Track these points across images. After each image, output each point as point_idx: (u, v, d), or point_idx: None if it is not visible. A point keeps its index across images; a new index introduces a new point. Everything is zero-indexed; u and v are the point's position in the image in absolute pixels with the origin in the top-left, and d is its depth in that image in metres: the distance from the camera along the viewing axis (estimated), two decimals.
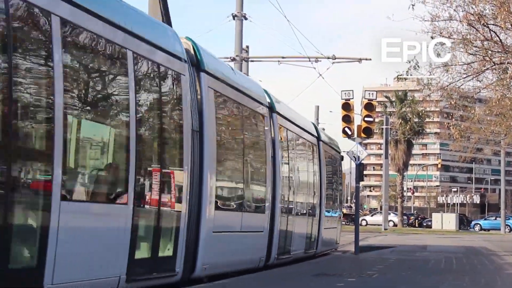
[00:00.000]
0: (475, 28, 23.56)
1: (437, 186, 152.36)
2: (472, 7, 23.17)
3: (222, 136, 14.49)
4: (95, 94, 9.94)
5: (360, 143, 24.54)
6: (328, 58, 34.27)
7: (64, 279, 8.52)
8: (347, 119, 24.20)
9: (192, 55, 13.24)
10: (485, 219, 77.88)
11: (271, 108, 17.65)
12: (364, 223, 72.47)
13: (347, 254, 25.50)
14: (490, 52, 23.92)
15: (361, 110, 25.36)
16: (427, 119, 78.61)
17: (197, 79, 13.17)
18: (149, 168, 11.11)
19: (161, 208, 11.18)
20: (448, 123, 31.81)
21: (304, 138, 21.53)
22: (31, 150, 8.42)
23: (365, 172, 26.01)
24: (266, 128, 16.95)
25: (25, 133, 8.27)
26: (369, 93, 24.87)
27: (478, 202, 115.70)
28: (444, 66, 24.15)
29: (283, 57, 35.02)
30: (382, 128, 61.68)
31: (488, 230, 70.80)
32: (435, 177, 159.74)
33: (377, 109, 30.78)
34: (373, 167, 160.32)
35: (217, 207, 13.50)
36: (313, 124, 25.24)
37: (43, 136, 8.47)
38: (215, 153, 13.48)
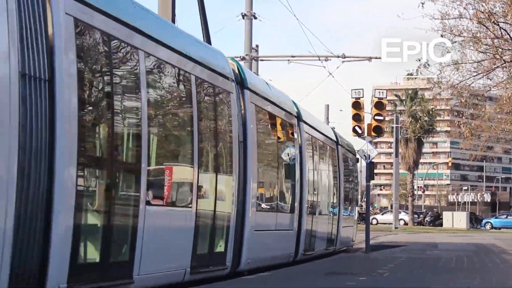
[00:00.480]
0: (485, 26, 23.53)
1: (447, 184, 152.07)
2: (482, 5, 23.15)
3: (260, 144, 16.13)
4: (172, 115, 12.09)
5: (370, 142, 24.53)
6: (338, 57, 34.27)
7: (146, 271, 10.20)
8: (357, 118, 24.18)
9: (237, 74, 14.84)
10: (496, 218, 77.67)
11: (298, 117, 19.23)
12: (374, 221, 72.39)
13: (358, 253, 25.47)
14: (500, 50, 23.88)
15: (371, 108, 25.34)
16: (437, 118, 78.46)
17: (242, 95, 14.82)
18: (207, 176, 12.74)
19: (216, 210, 12.92)
20: (458, 122, 31.75)
21: (325, 143, 23.24)
22: (129, 168, 10.30)
23: (375, 171, 26.08)
24: (295, 135, 18.67)
25: (125, 156, 10.29)
26: (379, 92, 24.84)
27: (489, 200, 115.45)
28: (454, 64, 24.14)
29: (292, 56, 35.04)
30: (392, 127, 61.64)
31: (499, 228, 70.60)
32: (445, 175, 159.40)
33: (387, 108, 30.75)
34: (383, 166, 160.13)
35: (257, 209, 15.21)
36: (333, 129, 26.81)
37: (134, 156, 10.31)
38: (256, 160, 15.18)
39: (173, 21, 18.40)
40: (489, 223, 74.00)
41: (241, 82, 14.88)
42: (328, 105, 57.44)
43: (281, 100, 17.97)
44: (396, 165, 63.70)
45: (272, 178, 17.13)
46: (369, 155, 23.96)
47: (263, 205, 16.04)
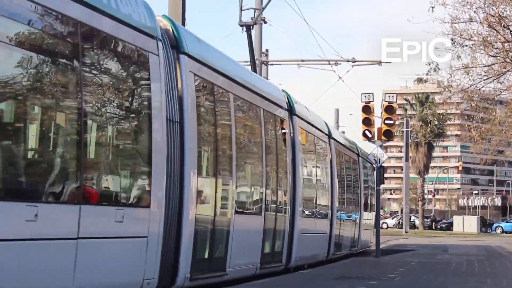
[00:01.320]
0: (495, 29, 23.49)
1: (458, 188, 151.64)
2: (492, 9, 23.12)
3: (305, 162, 19.06)
4: (250, 142, 15.33)
5: (381, 146, 24.51)
6: (348, 61, 34.22)
7: (234, 266, 13.12)
8: (367, 122, 24.17)
9: (287, 103, 17.71)
10: (507, 222, 77.44)
11: (329, 135, 22.43)
12: (385, 226, 72.28)
13: (369, 257, 25.44)
14: (511, 53, 23.83)
15: (381, 112, 25.32)
16: (447, 122, 78.28)
17: (291, 121, 17.75)
18: (270, 190, 15.76)
19: (276, 217, 15.82)
20: (469, 125, 31.64)
21: (350, 156, 26.33)
22: (224, 183, 13.06)
23: (385, 175, 26.02)
24: (327, 153, 21.98)
25: (222, 173, 13.03)
26: (389, 96, 24.82)
27: (499, 204, 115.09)
28: (464, 68, 24.10)
29: (302, 60, 35.01)
30: (403, 131, 61.54)
31: (510, 232, 70.40)
32: (456, 179, 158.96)
33: (397, 112, 30.69)
34: (394, 170, 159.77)
35: (302, 215, 18.08)
36: (354, 142, 28.17)
37: (228, 175, 13.14)
38: (302, 176, 18.03)
39: (183, 23, 18.57)
40: (500, 227, 73.79)
41: (290, 109, 17.72)
42: (338, 109, 57.38)
43: (318, 122, 21.13)
44: (406, 169, 63.59)
45: (312, 190, 20.05)
46: (379, 159, 23.95)
47: (306, 212, 18.84)
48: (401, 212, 77.05)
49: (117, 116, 9.87)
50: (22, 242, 7.41)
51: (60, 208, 8.15)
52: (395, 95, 25.34)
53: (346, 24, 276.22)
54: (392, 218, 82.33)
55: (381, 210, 50.11)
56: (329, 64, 34.06)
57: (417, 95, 73.19)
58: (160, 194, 10.34)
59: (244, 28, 23.27)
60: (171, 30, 11.53)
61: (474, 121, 32.01)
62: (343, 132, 32.20)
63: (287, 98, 17.75)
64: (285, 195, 16.56)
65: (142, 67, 10.21)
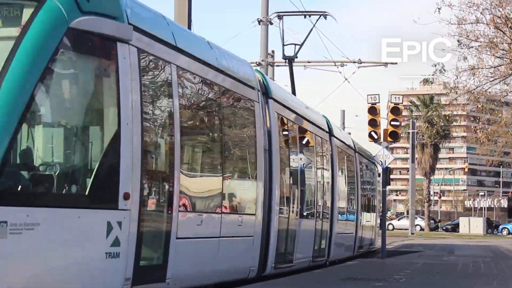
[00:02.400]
0: (502, 31, 23.47)
1: (464, 190, 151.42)
2: (499, 10, 23.10)
3: (340, 172, 22.66)
4: (307, 159, 18.70)
5: (387, 147, 24.50)
6: (354, 62, 34.23)
7: (297, 259, 16.74)
8: (373, 123, 24.16)
9: (328, 128, 21.31)
10: None
11: (355, 149, 25.94)
12: (391, 227, 72.19)
13: (374, 258, 25.43)
14: None
15: (387, 114, 25.31)
16: (453, 123, 78.17)
17: (330, 142, 21.27)
18: (320, 197, 19.58)
19: (322, 220, 19.60)
20: (475, 127, 31.61)
21: (368, 166, 29.55)
22: (291, 193, 16.71)
23: (391, 176, 26.03)
24: (354, 166, 25.76)
25: (289, 185, 16.66)
26: (395, 97, 24.81)
27: (505, 206, 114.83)
28: (471, 70, 24.07)
29: (308, 62, 35.04)
30: (409, 132, 61.47)
31: None
32: (462, 181, 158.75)
33: (403, 113, 30.63)
34: (400, 171, 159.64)
35: (338, 219, 21.66)
36: (363, 148, 29.59)
37: (296, 184, 17.09)
38: (338, 185, 21.75)
39: (189, 26, 18.59)
40: (506, 229, 73.62)
41: (329, 132, 21.34)
42: (344, 110, 57.40)
43: (345, 137, 25.15)
44: (412, 171, 63.54)
45: (343, 197, 23.38)
46: (385, 160, 23.94)
47: (340, 216, 22.07)
48: (407, 213, 76.98)
49: (238, 147, 14.08)
50: (194, 239, 11.40)
51: (211, 216, 12.20)
52: (401, 96, 25.33)
53: (353, 25, 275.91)
54: (398, 220, 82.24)
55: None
56: (335, 65, 34.08)
57: (423, 97, 73.12)
58: (260, 204, 14.28)
59: (287, 61, 26.31)
60: (261, 81, 15.31)
61: (480, 123, 31.97)
62: (349, 134, 32.16)
63: (327, 124, 21.56)
64: (327, 203, 20.55)
65: (250, 111, 14.27)
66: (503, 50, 23.83)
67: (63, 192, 8.85)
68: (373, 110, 24.20)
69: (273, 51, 36.06)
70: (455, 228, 73.77)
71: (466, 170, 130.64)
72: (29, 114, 8.41)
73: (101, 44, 9.30)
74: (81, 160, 9.16)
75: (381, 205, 29.88)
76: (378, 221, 30.93)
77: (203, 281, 11.94)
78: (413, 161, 63.12)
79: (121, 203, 9.17)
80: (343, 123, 55.00)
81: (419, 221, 74.51)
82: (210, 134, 12.83)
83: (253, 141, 14.18)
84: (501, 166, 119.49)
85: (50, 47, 8.56)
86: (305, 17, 26.72)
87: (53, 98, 8.90)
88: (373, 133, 24.08)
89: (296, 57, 26.36)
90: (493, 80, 24.66)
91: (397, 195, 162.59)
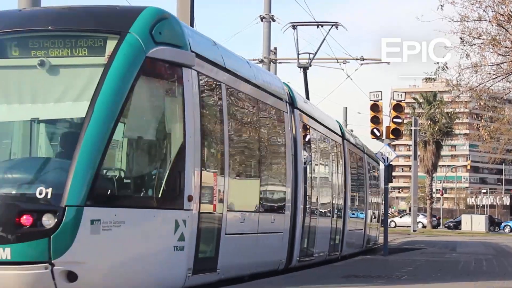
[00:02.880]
0: (504, 28, 23.43)
1: (466, 187, 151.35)
2: (501, 7, 23.04)
3: (352, 176, 24.48)
4: (326, 162, 21.44)
5: (389, 144, 24.49)
6: (356, 59, 34.24)
7: (316, 253, 18.96)
8: (375, 120, 24.16)
9: (341, 132, 23.37)
10: None
11: (363, 151, 28.07)
12: (393, 224, 72.21)
13: (376, 255, 25.44)
14: None
15: (390, 111, 25.31)
16: (456, 120, 78.10)
17: (343, 144, 23.18)
18: (336, 197, 21.77)
19: (337, 219, 21.95)
20: (477, 124, 31.59)
21: (375, 166, 31.81)
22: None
23: (393, 174, 26.13)
24: (363, 167, 28.04)
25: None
26: (398, 94, 24.79)
27: (508, 203, 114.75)
28: (473, 67, 24.04)
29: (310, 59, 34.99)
30: (411, 129, 61.44)
31: None
32: (464, 178, 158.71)
33: (405, 110, 30.60)
34: (402, 169, 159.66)
35: (350, 217, 23.82)
36: (370, 150, 30.95)
37: (316, 187, 19.17)
38: (350, 186, 23.68)
39: (192, 23, 18.58)
40: (508, 226, 73.60)
41: (342, 136, 23.36)
42: (346, 107, 57.39)
43: (356, 140, 26.96)
44: (414, 168, 63.53)
45: (354, 196, 25.37)
46: (387, 157, 23.93)
47: (351, 215, 24.02)
48: (409, 210, 76.98)
49: (272, 153, 15.82)
50: (238, 235, 13.14)
51: (251, 215, 14.08)
52: (404, 93, 25.31)
53: (355, 22, 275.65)
54: (400, 217, 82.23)
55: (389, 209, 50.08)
56: (338, 62, 34.08)
57: (426, 94, 73.06)
58: (289, 204, 16.13)
59: (302, 69, 27.95)
60: (288, 93, 16.94)
61: (482, 120, 31.93)
62: (352, 131, 32.18)
63: (340, 128, 23.60)
64: (340, 202, 22.39)
65: (281, 121, 16.07)
66: (505, 47, 23.79)
67: (141, 195, 10.63)
68: (375, 107, 24.20)
69: (275, 48, 36.08)
70: (457, 225, 73.73)
71: (469, 167, 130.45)
72: (117, 130, 10.16)
73: (170, 70, 11.04)
74: (155, 168, 10.90)
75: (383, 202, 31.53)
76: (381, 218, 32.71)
77: (243, 272, 13.85)
78: (415, 158, 63.11)
79: (186, 204, 10.88)
80: (346, 120, 55.00)
81: (421, 219, 74.52)
82: (251, 142, 14.65)
83: (283, 147, 16.11)
84: (503, 164, 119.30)
85: (132, 73, 10.31)
86: (317, 27, 28.28)
87: (133, 115, 10.67)
88: (375, 130, 24.09)
89: (310, 65, 28.15)
90: (495, 77, 24.61)
91: (399, 192, 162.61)
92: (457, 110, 66.38)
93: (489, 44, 23.56)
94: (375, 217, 30.95)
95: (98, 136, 9.84)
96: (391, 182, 25.78)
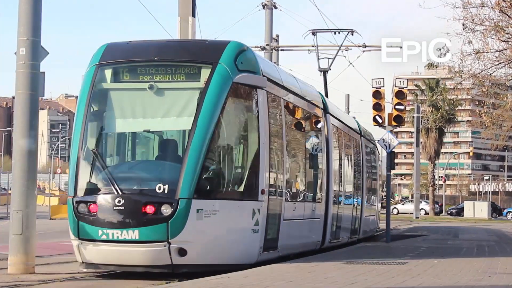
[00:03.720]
0: (507, 14, 23.40)
1: (469, 174, 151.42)
2: None
3: (368, 170, 28.21)
4: (352, 157, 24.63)
5: (391, 131, 24.47)
6: (359, 46, 34.20)
7: (341, 236, 21.90)
8: (377, 107, 24.12)
9: (358, 128, 26.57)
10: None
11: (360, 133, 27.92)
12: (395, 211, 72.25)
13: (379, 242, 25.48)
14: None
15: (392, 98, 25.27)
16: (458, 107, 78.00)
17: (360, 140, 26.64)
18: (355, 188, 24.93)
19: (357, 205, 24.96)
20: (480, 111, 31.58)
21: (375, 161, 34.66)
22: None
23: (396, 161, 26.27)
24: (377, 161, 32.43)
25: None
26: (400, 81, 24.74)
27: (510, 190, 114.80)
28: (476, 54, 24.02)
29: (313, 46, 34.94)
30: (413, 116, 61.39)
31: None
32: (466, 165, 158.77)
33: (408, 98, 30.58)
34: (404, 156, 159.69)
35: (366, 204, 27.02)
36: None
37: (342, 180, 22.42)
38: (366, 176, 27.29)
39: (194, 12, 18.74)
40: (511, 213, 73.64)
41: (360, 132, 26.38)
42: (348, 94, 57.32)
43: (367, 132, 28.97)
44: (417, 155, 63.55)
45: (369, 185, 28.61)
46: (390, 144, 23.93)
47: (366, 203, 27.10)
48: (412, 197, 77.05)
49: (313, 152, 18.92)
50: (291, 220, 16.31)
51: (300, 203, 17.38)
52: (406, 80, 25.23)
53: (357, 10, 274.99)
54: (403, 204, 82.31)
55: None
56: (340, 49, 34.00)
57: (428, 81, 72.96)
58: (324, 194, 19.25)
59: (322, 73, 30.38)
60: (321, 100, 19.92)
61: (485, 107, 31.93)
62: (354, 118, 32.18)
63: (357, 124, 26.82)
64: (359, 192, 25.40)
65: (318, 125, 19.41)
66: (508, 34, 23.76)
67: (230, 190, 14.01)
68: (377, 94, 24.15)
69: (277, 36, 36.02)
70: (460, 212, 73.76)
71: (471, 154, 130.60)
72: (213, 139, 13.44)
73: (249, 91, 14.39)
74: (239, 169, 14.23)
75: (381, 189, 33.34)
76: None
77: (294, 251, 16.77)
78: (417, 145, 63.10)
79: (260, 197, 14.22)
80: (348, 107, 54.95)
81: (424, 205, 74.58)
82: (299, 145, 17.95)
83: (320, 147, 19.16)
84: (506, 150, 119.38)
85: (223, 95, 13.61)
86: (334, 33, 31.06)
87: (224, 127, 13.79)
88: (377, 117, 24.05)
89: (330, 69, 30.67)
90: (498, 64, 24.59)
91: (402, 179, 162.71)
92: (460, 97, 66.31)
93: (492, 31, 23.53)
94: (382, 204, 34.97)
95: (201, 144, 13.15)
96: (394, 169, 25.81)
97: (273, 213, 14.88)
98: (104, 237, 13.05)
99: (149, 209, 12.89)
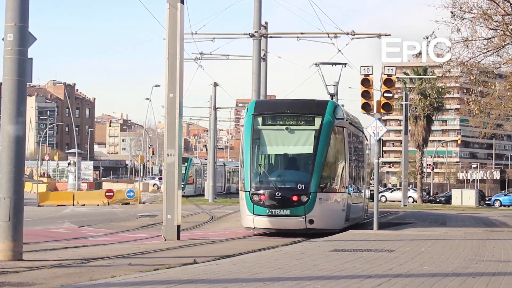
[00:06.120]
0: (495, 2, 23.42)
1: (457, 162, 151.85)
2: None
3: (368, 159, 35.77)
4: (361, 153, 32.19)
5: (380, 119, 24.51)
6: (347, 34, 34.19)
7: (351, 219, 26.57)
8: (366, 95, 24.14)
9: (363, 133, 32.57)
10: (505, 195, 77.61)
11: (364, 133, 34.89)
12: (383, 199, 72.40)
13: (367, 230, 25.57)
14: (510, 27, 23.77)
15: (380, 86, 25.28)
16: (446, 95, 78.07)
17: (363, 138, 32.83)
18: (362, 180, 31.53)
19: (365, 194, 32.50)
20: (468, 99, 31.65)
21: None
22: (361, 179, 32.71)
23: (384, 149, 26.42)
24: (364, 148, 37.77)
25: (357, 174, 30.64)
26: (388, 69, 24.75)
27: (498, 178, 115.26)
28: (464, 41, 24.04)
29: (302, 33, 34.94)
30: (402, 104, 61.44)
31: (508, 206, 70.59)
32: (455, 153, 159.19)
33: (396, 85, 30.60)
34: (393, 143, 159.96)
35: (366, 193, 33.57)
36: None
37: (360, 176, 31.52)
38: (366, 168, 34.14)
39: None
40: (498, 201, 73.95)
41: (363, 133, 31.83)
42: (337, 82, 57.20)
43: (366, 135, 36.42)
44: (405, 143, 63.57)
45: (368, 179, 35.16)
46: (378, 132, 23.97)
47: (367, 191, 33.27)
48: (400, 185, 77.22)
49: (360, 161, 30.50)
50: (353, 204, 27.01)
51: (355, 194, 28.02)
52: (394, 68, 25.24)
53: None
54: (391, 191, 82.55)
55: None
56: (329, 37, 34.04)
57: (416, 69, 72.99)
58: (346, 187, 25.00)
59: (331, 96, 34.80)
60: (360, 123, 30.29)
61: (473, 95, 32.00)
62: (343, 106, 32.26)
63: (362, 132, 31.78)
64: (364, 184, 31.92)
65: (363, 143, 31.94)
66: (496, 21, 23.80)
67: (332, 187, 24.02)
68: (366, 82, 24.17)
69: (266, 23, 35.95)
70: (448, 200, 73.96)
71: (459, 142, 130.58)
72: (325, 158, 23.56)
73: (341, 130, 24.83)
74: (336, 174, 24.39)
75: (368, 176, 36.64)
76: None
77: (353, 223, 26.48)
78: (406, 133, 63.07)
79: (346, 190, 24.77)
80: (336, 95, 54.88)
81: (412, 193, 74.73)
82: (355, 156, 28.09)
83: (362, 156, 30.58)
84: (493, 138, 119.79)
85: (329, 134, 23.77)
86: (332, 65, 34.54)
87: (329, 151, 23.78)
88: (366, 105, 24.08)
89: (336, 94, 35.83)
90: (486, 52, 24.66)
91: (390, 167, 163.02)
92: (448, 85, 66.44)
93: (480, 18, 23.56)
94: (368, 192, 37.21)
95: (320, 162, 23.15)
96: (382, 157, 25.91)
97: (349, 200, 25.41)
98: (269, 213, 22.73)
99: (295, 198, 22.71)
